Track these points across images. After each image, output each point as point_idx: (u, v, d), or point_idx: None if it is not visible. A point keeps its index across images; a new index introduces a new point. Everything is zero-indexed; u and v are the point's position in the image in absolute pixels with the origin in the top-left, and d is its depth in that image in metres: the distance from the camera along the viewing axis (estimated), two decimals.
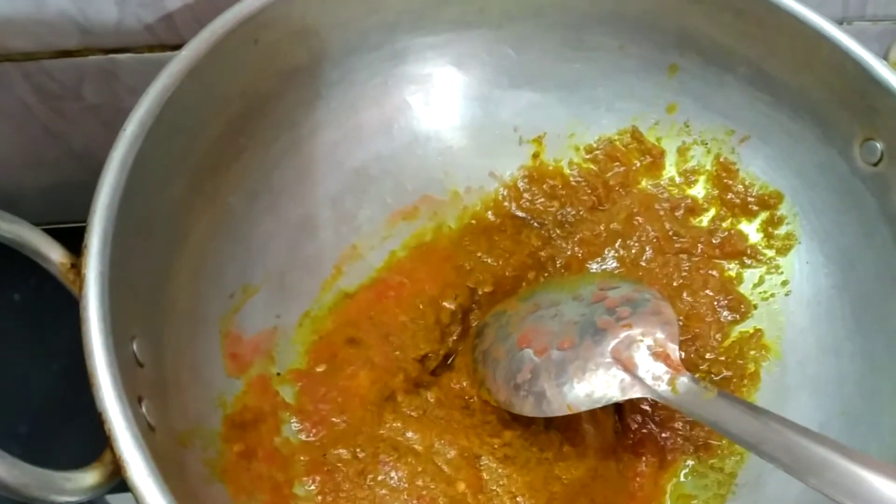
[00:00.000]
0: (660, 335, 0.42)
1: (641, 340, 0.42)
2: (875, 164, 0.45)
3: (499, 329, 0.47)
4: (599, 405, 0.41)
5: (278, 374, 0.46)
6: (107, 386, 0.31)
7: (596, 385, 0.41)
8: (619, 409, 0.48)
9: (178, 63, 0.39)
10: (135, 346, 0.35)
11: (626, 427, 0.47)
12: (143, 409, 0.33)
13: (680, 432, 0.47)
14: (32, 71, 0.49)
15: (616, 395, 0.41)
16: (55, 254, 0.34)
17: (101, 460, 0.30)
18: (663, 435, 0.47)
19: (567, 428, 0.46)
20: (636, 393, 0.41)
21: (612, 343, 0.42)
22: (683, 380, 0.40)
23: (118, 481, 0.30)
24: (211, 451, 0.39)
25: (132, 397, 0.32)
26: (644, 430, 0.47)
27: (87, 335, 0.32)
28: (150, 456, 0.30)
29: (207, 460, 0.39)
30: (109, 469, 0.30)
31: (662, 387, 0.40)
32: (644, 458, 0.46)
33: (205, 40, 0.40)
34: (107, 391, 0.31)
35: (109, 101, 0.52)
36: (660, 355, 0.41)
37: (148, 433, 0.32)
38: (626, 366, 0.41)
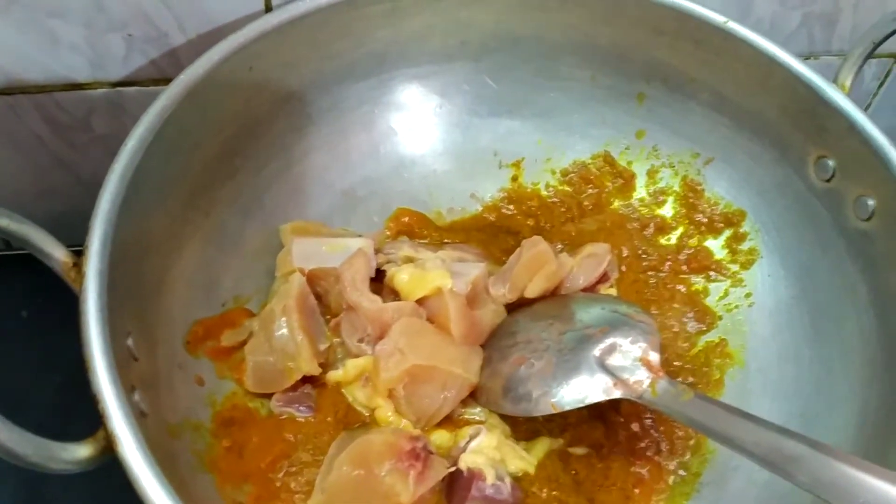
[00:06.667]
0: (642, 343, 0.44)
1: (624, 347, 0.44)
2: (828, 181, 0.48)
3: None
4: (583, 405, 0.43)
5: None
6: (101, 370, 0.33)
7: (580, 387, 0.44)
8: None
9: (176, 86, 0.42)
10: (130, 342, 0.38)
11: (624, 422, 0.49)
12: (136, 397, 0.36)
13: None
14: (44, 102, 0.51)
15: (600, 397, 0.43)
16: (59, 252, 0.36)
17: (94, 436, 0.33)
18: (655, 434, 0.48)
19: None
20: (618, 394, 0.43)
21: (597, 350, 0.44)
22: (663, 383, 0.43)
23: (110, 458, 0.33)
24: (200, 444, 0.42)
25: (126, 384, 0.34)
26: (640, 428, 0.49)
27: (84, 325, 0.34)
28: (140, 433, 0.32)
29: (196, 451, 0.41)
30: (102, 444, 0.32)
31: (643, 389, 0.43)
32: (645, 451, 0.48)
33: (202, 66, 0.43)
34: (101, 375, 0.33)
35: (116, 132, 0.54)
36: (642, 361, 0.44)
37: (139, 417, 0.34)
38: (610, 370, 0.44)
